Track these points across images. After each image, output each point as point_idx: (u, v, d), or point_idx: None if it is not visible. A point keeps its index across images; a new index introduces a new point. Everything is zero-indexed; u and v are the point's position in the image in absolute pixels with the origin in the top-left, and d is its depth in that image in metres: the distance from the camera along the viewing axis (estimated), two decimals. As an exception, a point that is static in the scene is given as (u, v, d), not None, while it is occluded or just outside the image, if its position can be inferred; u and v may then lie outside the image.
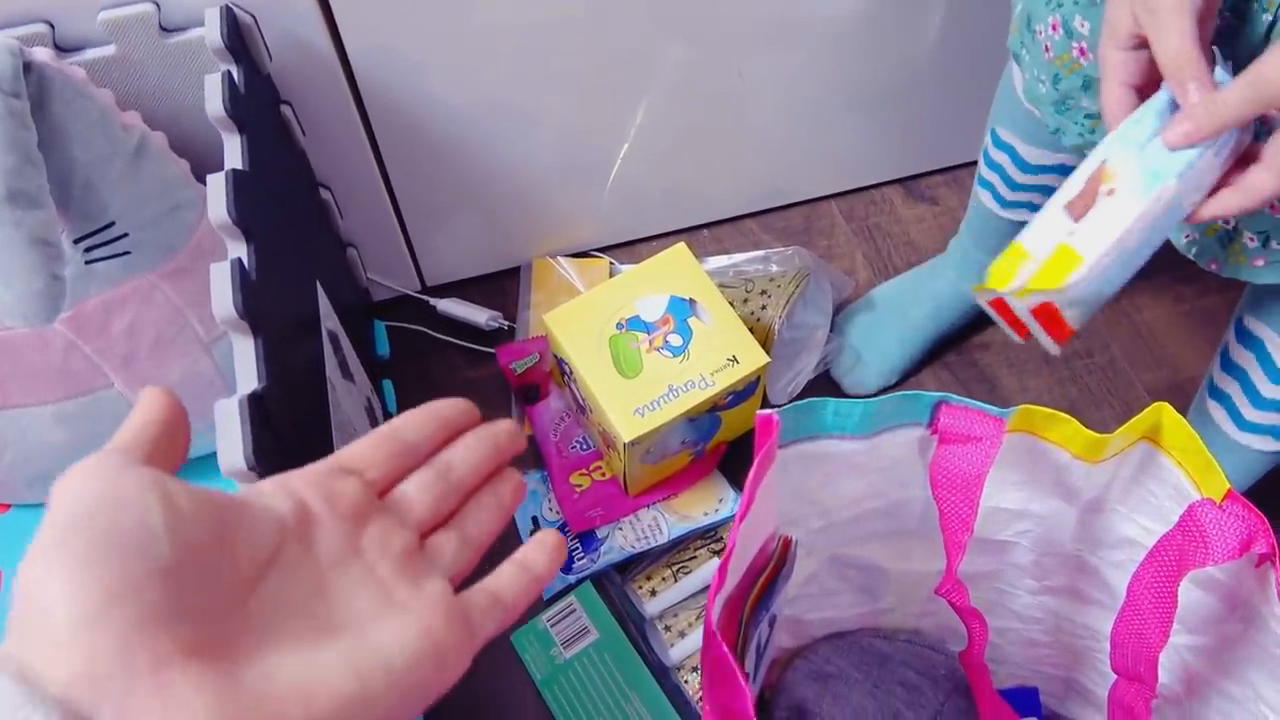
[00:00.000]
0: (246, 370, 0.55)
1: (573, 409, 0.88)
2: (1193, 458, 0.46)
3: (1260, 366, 0.61)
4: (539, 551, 0.34)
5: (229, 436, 0.50)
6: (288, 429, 0.57)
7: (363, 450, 0.34)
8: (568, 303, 0.81)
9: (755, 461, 0.47)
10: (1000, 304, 0.49)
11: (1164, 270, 1.03)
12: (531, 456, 0.91)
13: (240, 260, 0.57)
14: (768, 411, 0.47)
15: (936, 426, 0.49)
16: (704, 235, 1.05)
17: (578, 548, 0.84)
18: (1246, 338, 0.62)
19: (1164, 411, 0.46)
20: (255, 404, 0.52)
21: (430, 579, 0.31)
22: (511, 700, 0.79)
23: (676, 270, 0.82)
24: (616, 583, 0.83)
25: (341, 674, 0.26)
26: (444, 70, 0.82)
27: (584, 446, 0.88)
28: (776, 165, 1.03)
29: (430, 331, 0.98)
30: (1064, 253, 0.47)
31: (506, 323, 0.98)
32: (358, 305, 0.94)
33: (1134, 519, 0.53)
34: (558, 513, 0.86)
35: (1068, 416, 0.47)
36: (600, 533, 0.84)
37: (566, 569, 0.83)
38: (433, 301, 0.98)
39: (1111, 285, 0.48)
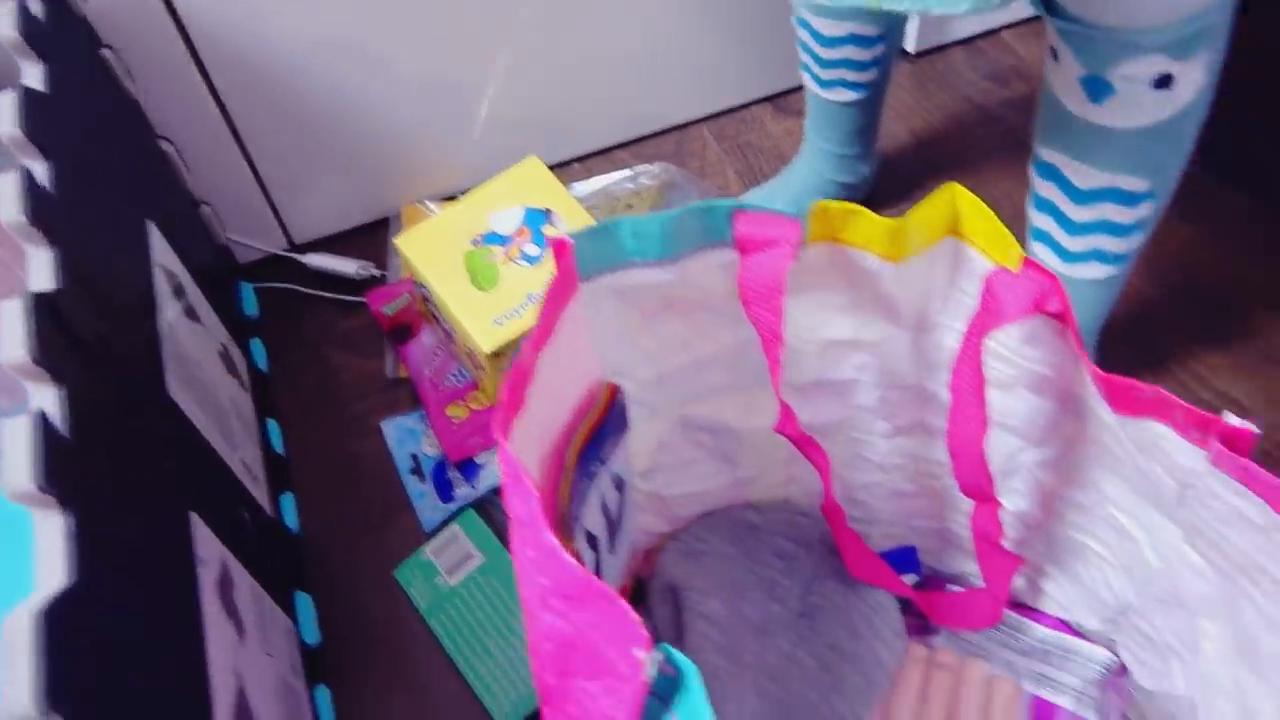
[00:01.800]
0: (41, 272, 0.53)
1: (442, 340, 0.86)
2: (991, 238, 0.45)
3: (1064, 193, 0.61)
4: None
5: (9, 333, 0.48)
6: (88, 333, 0.54)
7: None
8: (419, 224, 0.79)
9: (549, 285, 0.45)
10: None
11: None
12: (408, 397, 0.89)
13: (29, 170, 0.55)
14: (561, 234, 0.46)
15: (738, 241, 0.48)
16: (576, 169, 1.04)
17: (458, 477, 0.82)
18: (1045, 170, 0.62)
19: (957, 193, 0.45)
20: (43, 302, 0.50)
21: None
22: (397, 635, 0.76)
23: (530, 182, 0.81)
24: (499, 505, 0.81)
25: None
26: (281, 9, 0.80)
27: (459, 379, 0.86)
28: (644, 91, 1.02)
29: (301, 288, 0.96)
30: None
31: (378, 271, 0.96)
32: (218, 266, 0.92)
33: (955, 328, 0.52)
34: (437, 447, 0.84)
35: (860, 208, 0.46)
36: (480, 459, 0.82)
37: (447, 498, 0.81)
38: (299, 257, 0.96)
39: None
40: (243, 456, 0.73)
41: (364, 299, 0.93)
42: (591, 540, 0.58)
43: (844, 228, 0.47)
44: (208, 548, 0.59)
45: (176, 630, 0.53)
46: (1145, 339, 0.88)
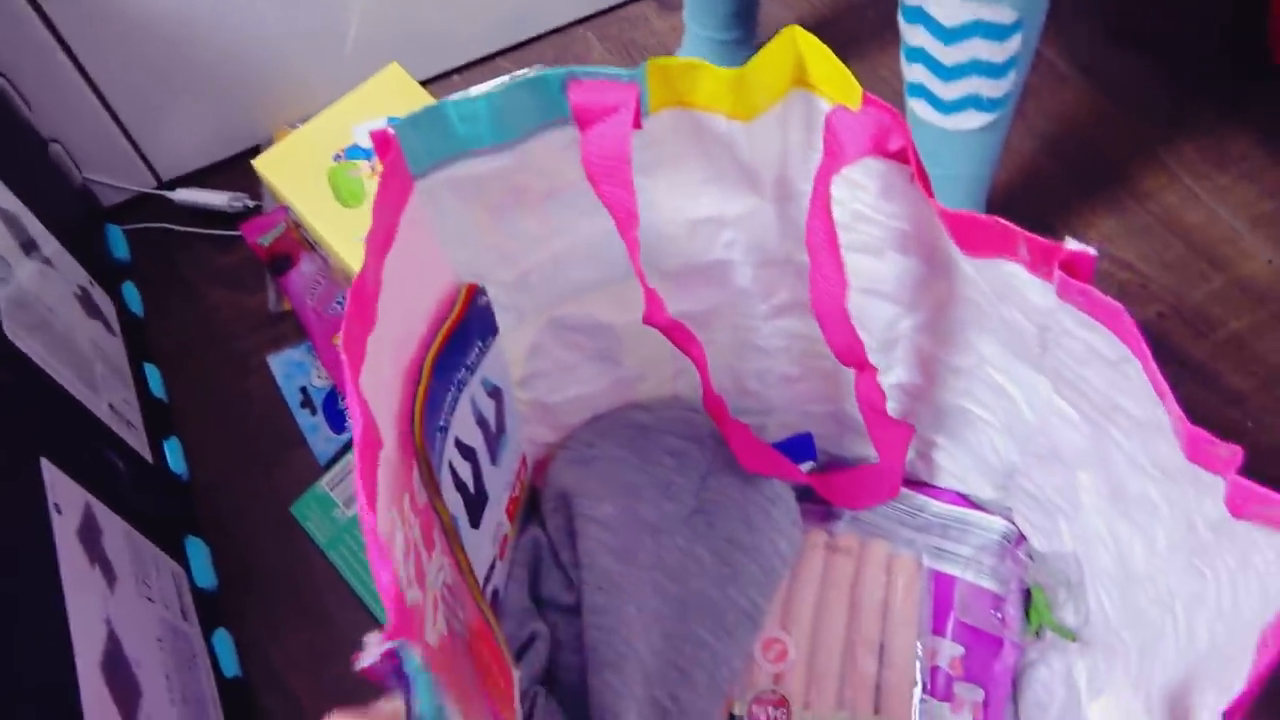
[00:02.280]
0: None
1: (322, 266, 0.83)
2: (833, 80, 0.43)
3: (932, 34, 0.59)
4: None
5: None
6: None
7: None
8: (278, 143, 0.75)
9: (380, 186, 0.42)
10: None
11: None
12: (294, 330, 0.85)
13: None
14: (382, 128, 0.43)
15: (576, 113, 0.45)
16: (455, 80, 0.99)
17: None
18: (911, 13, 0.60)
19: (797, 35, 0.42)
20: None
21: None
22: (297, 570, 0.74)
23: (393, 92, 0.77)
24: (396, 434, 0.78)
25: None
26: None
27: (344, 305, 0.82)
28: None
29: (174, 227, 0.91)
30: None
31: (251, 202, 0.91)
32: (78, 208, 0.86)
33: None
34: (326, 378, 0.81)
35: (699, 61, 0.43)
36: (370, 386, 0.79)
37: (339, 429, 0.78)
38: (167, 194, 0.91)
39: None
40: (110, 401, 0.70)
41: (239, 232, 0.89)
42: (468, 452, 0.56)
43: (687, 88, 0.45)
44: (65, 494, 0.56)
45: (25, 577, 0.50)
46: (1037, 206, 0.87)
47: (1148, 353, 0.35)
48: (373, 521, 0.35)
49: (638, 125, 0.44)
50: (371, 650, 0.32)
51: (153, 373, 0.81)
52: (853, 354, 0.50)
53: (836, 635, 0.60)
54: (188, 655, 0.63)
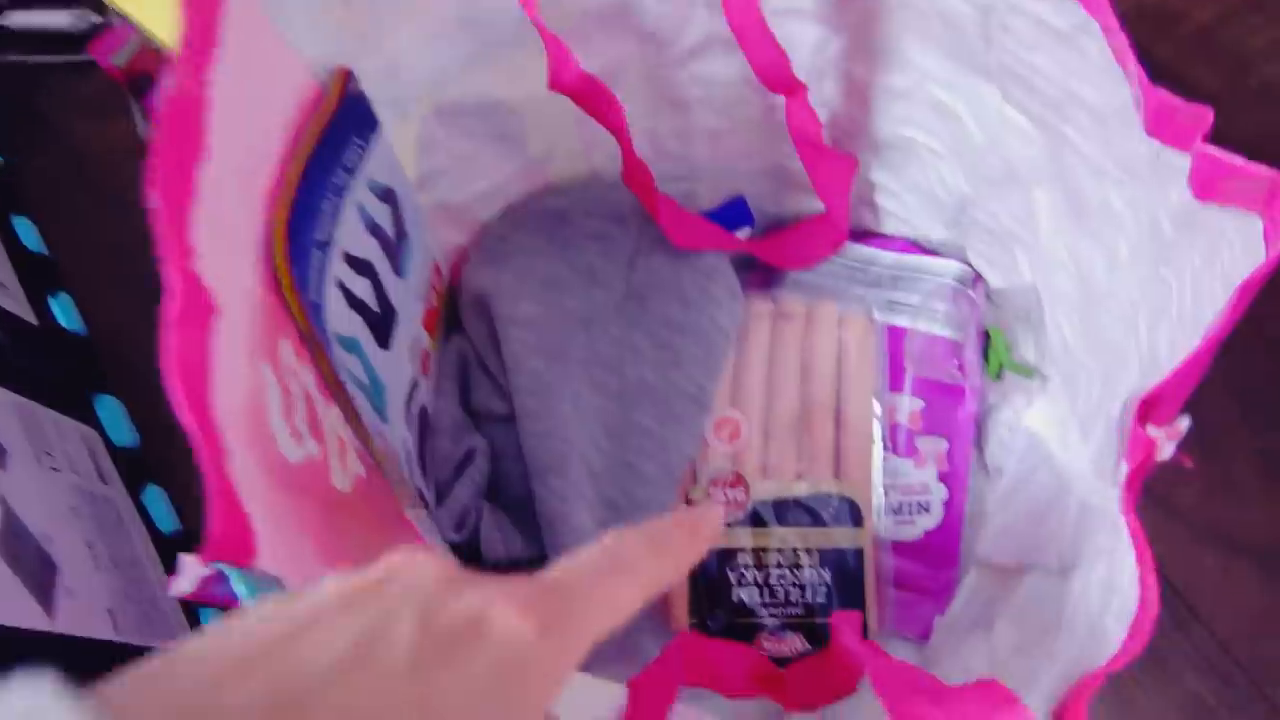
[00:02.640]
0: None
1: (185, 81, 0.73)
2: None
3: None
4: None
5: None
6: None
7: None
8: (95, -62, 0.64)
9: None
10: None
11: None
12: (173, 157, 0.77)
13: None
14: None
15: None
16: None
17: (245, 233, 0.72)
18: None
19: None
20: None
21: None
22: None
23: None
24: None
25: None
26: None
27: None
28: None
29: (18, 57, 0.80)
30: None
31: (98, 18, 0.80)
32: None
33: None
34: (216, 205, 0.73)
35: None
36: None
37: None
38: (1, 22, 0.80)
39: None
40: (-31, 263, 0.63)
41: (91, 55, 0.78)
42: (363, 266, 0.50)
43: None
44: (-81, 371, 0.50)
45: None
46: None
47: (1105, 5, 0.29)
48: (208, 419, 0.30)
49: None
50: (187, 576, 0.27)
51: (24, 225, 0.74)
52: (778, 73, 0.43)
53: (790, 405, 0.56)
54: (112, 519, 0.60)
